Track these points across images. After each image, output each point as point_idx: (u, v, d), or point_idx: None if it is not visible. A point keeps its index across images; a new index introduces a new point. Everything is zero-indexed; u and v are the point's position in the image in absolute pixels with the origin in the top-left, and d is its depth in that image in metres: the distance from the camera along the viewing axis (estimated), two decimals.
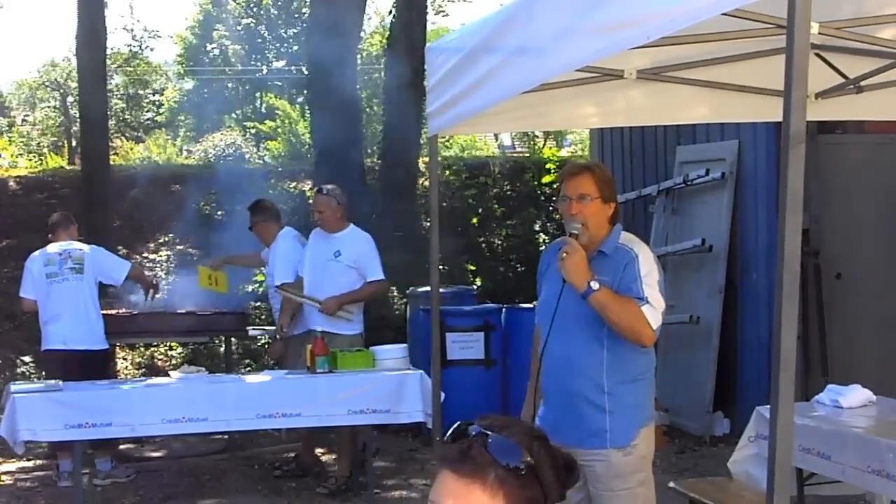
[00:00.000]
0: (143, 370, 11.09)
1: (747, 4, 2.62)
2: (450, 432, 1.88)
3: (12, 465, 7.86)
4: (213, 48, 33.27)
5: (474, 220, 13.46)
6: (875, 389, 5.23)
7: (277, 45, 33.14)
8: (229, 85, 32.36)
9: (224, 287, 8.55)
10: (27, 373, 10.42)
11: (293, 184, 14.11)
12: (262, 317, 11.28)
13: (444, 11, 28.28)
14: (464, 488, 1.77)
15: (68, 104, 30.76)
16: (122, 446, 8.37)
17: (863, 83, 4.45)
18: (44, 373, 8.06)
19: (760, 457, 4.87)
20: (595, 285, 3.80)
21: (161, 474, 7.68)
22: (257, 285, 11.35)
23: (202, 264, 8.48)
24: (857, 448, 4.50)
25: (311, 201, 8.78)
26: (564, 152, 17.84)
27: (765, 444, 4.15)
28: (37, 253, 7.57)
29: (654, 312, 3.83)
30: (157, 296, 8.23)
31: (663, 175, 9.73)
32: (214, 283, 8.34)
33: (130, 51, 31.37)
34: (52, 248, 7.53)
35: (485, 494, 1.77)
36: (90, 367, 7.18)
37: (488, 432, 1.83)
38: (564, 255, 3.88)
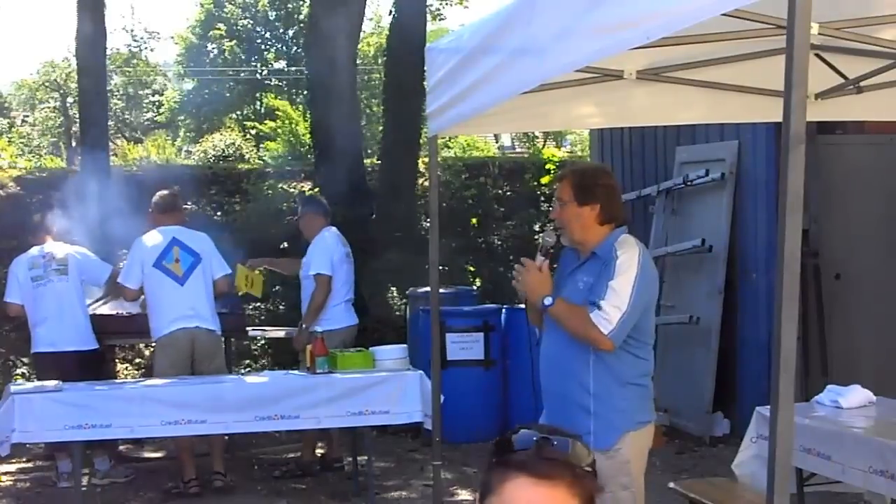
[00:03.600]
0: (143, 371, 11.08)
1: (747, 5, 2.62)
2: (496, 443, 1.86)
3: (12, 466, 7.86)
4: (212, 48, 33.24)
5: (474, 221, 13.45)
6: (875, 390, 5.23)
7: (277, 45, 33.16)
8: (229, 85, 32.34)
9: (259, 290, 8.44)
10: (27, 373, 10.41)
11: (293, 184, 14.11)
12: (262, 317, 11.28)
13: (441, 15, 28.17)
14: (546, 491, 1.76)
15: (68, 105, 30.77)
16: (121, 447, 8.37)
17: (862, 83, 4.45)
18: (35, 375, 8.03)
19: (763, 457, 4.85)
20: (548, 301, 3.88)
21: (161, 475, 7.67)
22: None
23: (241, 263, 8.37)
24: (857, 448, 4.51)
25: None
26: (561, 153, 17.80)
27: (766, 445, 4.15)
28: (22, 256, 7.55)
29: (603, 316, 3.80)
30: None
31: (663, 175, 9.73)
32: (250, 285, 8.29)
33: (130, 51, 31.42)
34: (35, 250, 7.51)
35: (567, 493, 1.77)
36: (82, 367, 7.16)
37: (548, 436, 1.82)
38: (517, 274, 3.99)
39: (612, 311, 3.80)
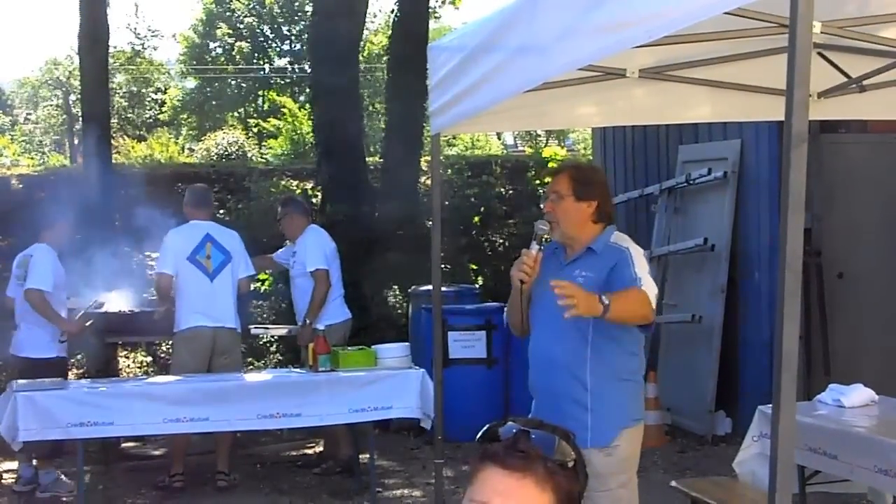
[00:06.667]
0: (146, 369, 11.09)
1: (749, 3, 2.61)
2: (481, 433, 1.89)
3: (13, 464, 7.85)
4: (215, 46, 33.27)
5: (476, 219, 13.45)
6: (877, 389, 5.23)
7: (280, 42, 33.15)
8: (232, 83, 32.36)
9: None
10: None
11: (296, 182, 14.12)
12: (264, 315, 11.29)
13: (436, 14, 27.87)
14: (515, 483, 1.77)
15: (70, 102, 30.81)
16: (123, 444, 8.38)
17: (865, 82, 4.44)
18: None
19: (765, 456, 4.87)
20: (606, 300, 3.70)
21: (163, 472, 7.66)
22: (259, 283, 11.36)
23: None
24: (860, 447, 4.51)
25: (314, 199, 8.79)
26: (563, 151, 17.82)
27: (768, 444, 4.14)
28: (21, 253, 7.42)
29: (649, 292, 3.84)
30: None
31: (665, 174, 9.73)
32: None
33: (133, 49, 31.46)
34: (30, 249, 7.32)
35: (536, 488, 1.77)
36: (34, 375, 6.76)
37: (528, 429, 1.84)
38: (517, 264, 3.94)
39: (651, 290, 3.85)
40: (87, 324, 7.52)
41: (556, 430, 1.88)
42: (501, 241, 13.46)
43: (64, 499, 7.15)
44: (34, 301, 7.06)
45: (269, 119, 25.93)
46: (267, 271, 10.73)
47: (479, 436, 1.89)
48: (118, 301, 8.50)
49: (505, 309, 4.35)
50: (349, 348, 7.07)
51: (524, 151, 22.40)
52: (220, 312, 7.26)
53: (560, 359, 3.95)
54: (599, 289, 3.85)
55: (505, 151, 24.32)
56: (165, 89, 34.68)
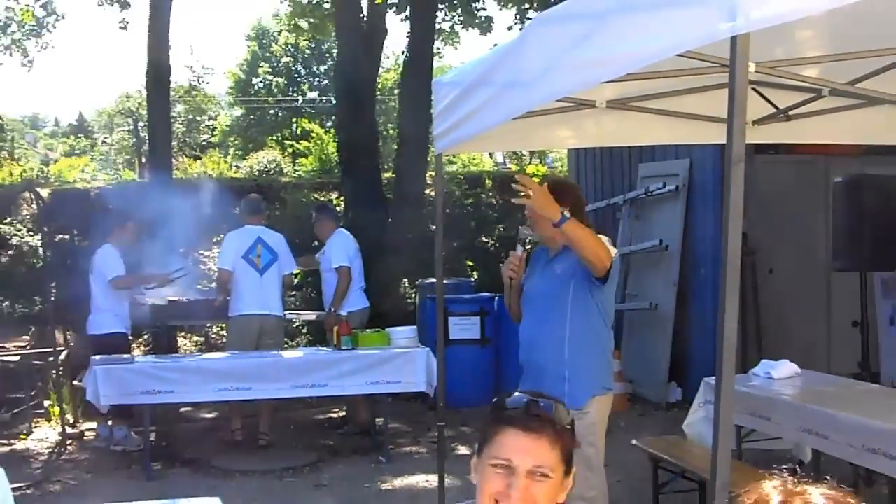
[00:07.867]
0: (200, 347, 11.08)
1: (697, 47, 2.61)
2: (495, 402, 1.89)
3: (94, 424, 7.86)
4: (258, 82, 33.27)
5: (472, 224, 13.44)
6: (800, 364, 5.25)
7: (311, 79, 33.14)
8: (271, 112, 32.35)
9: None
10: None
11: (322, 193, 14.10)
12: (296, 303, 11.28)
13: (439, 54, 27.65)
14: (532, 442, 1.79)
15: (139, 128, 30.77)
16: (181, 409, 8.37)
17: (791, 112, 4.44)
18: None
19: (709, 419, 4.88)
20: (567, 214, 3.71)
21: (214, 431, 7.67)
22: (293, 276, 11.34)
23: None
24: (787, 411, 4.53)
25: (338, 207, 8.76)
26: (544, 168, 17.79)
27: (711, 409, 4.15)
28: None
29: (607, 244, 3.82)
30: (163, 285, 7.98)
31: (628, 187, 9.73)
32: None
33: (190, 84, 31.41)
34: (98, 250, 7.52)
35: (548, 446, 1.80)
36: (97, 348, 7.02)
37: (536, 398, 1.85)
38: (507, 263, 3.92)
39: (607, 244, 3.82)
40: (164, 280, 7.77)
41: (552, 399, 1.89)
42: (492, 242, 13.44)
43: (133, 452, 7.16)
44: (118, 286, 7.31)
45: (301, 141, 25.85)
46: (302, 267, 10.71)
47: (493, 403, 1.89)
48: (178, 291, 8.50)
49: (496, 298, 4.38)
50: (367, 331, 7.09)
51: (511, 168, 22.34)
52: (268, 302, 7.31)
53: (543, 339, 3.96)
54: (573, 272, 3.85)
55: (496, 168, 24.23)
56: (216, 117, 34.64)
